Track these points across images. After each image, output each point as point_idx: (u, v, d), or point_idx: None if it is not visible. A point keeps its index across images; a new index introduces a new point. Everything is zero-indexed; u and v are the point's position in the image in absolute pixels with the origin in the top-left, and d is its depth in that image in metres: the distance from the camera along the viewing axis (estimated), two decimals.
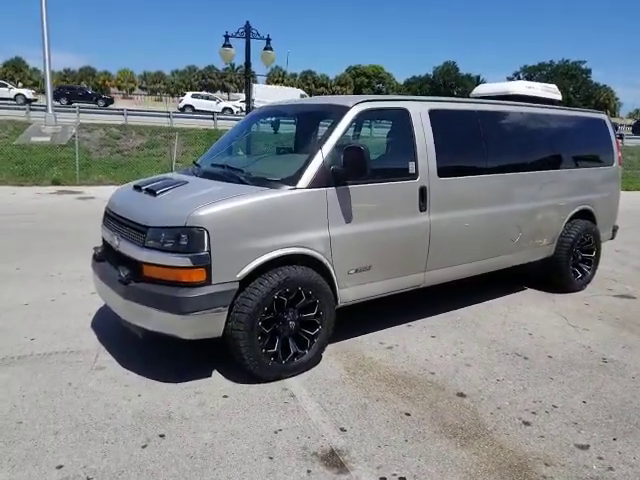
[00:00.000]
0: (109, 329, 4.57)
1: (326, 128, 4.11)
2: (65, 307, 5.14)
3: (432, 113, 4.56)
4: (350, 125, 4.08)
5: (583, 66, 79.28)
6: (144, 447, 2.95)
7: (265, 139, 5.57)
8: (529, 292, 6.23)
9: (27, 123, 20.58)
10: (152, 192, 3.94)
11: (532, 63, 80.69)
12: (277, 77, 75.64)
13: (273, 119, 5.41)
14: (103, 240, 4.37)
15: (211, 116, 25.55)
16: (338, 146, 3.94)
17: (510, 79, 69.89)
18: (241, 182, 3.93)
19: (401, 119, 4.44)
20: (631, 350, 4.62)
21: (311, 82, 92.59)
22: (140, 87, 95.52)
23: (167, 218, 3.53)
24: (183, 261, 3.39)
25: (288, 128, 5.14)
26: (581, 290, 6.29)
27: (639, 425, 3.40)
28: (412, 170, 4.37)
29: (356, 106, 4.13)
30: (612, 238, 6.93)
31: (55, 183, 14.69)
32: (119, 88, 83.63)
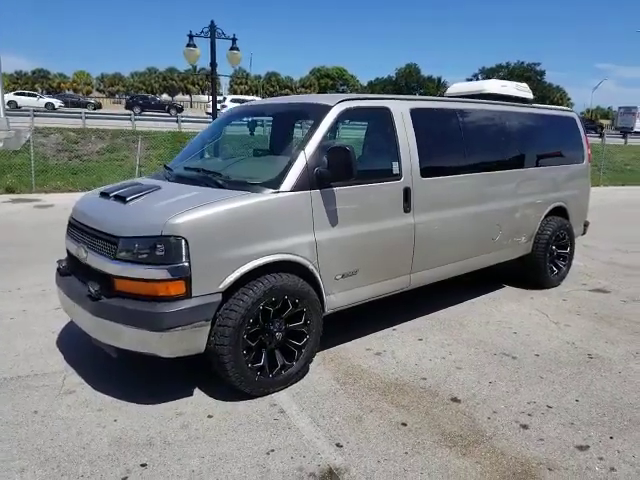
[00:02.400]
0: (76, 348, 4.24)
1: (307, 128, 3.93)
2: (26, 325, 4.77)
3: (414, 112, 4.45)
4: (332, 125, 3.91)
5: (537, 68, 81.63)
6: (124, 479, 2.70)
7: (242, 140, 5.33)
8: (507, 290, 6.22)
9: None
10: (122, 199, 3.66)
11: (490, 65, 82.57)
12: (241, 79, 74.87)
13: (249, 119, 5.18)
14: (68, 252, 4.05)
15: (175, 118, 24.95)
16: (321, 147, 3.76)
17: (469, 80, 71.31)
18: (219, 186, 3.71)
19: (383, 118, 4.30)
20: (613, 344, 4.63)
21: (275, 84, 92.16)
22: (97, 90, 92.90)
23: (141, 227, 3.27)
24: (160, 273, 3.14)
25: (266, 129, 4.92)
26: (557, 286, 6.33)
27: (633, 421, 3.37)
28: (396, 171, 4.24)
29: (338, 105, 3.97)
30: (584, 233, 7.02)
31: (9, 191, 13.95)
32: (75, 91, 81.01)
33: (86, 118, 23.23)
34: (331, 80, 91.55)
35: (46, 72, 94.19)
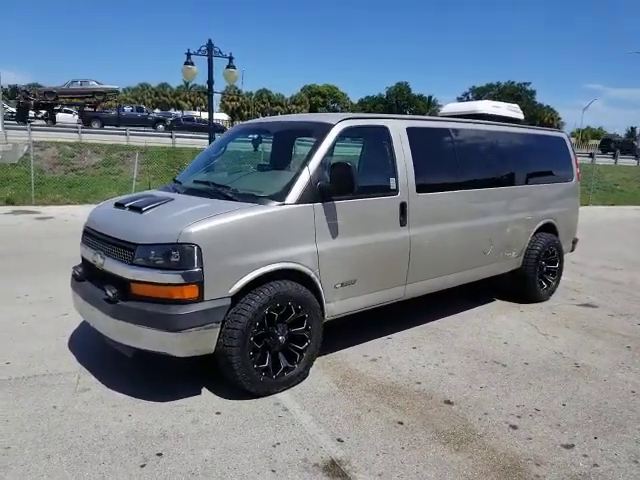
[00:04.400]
0: (87, 350, 4.45)
1: (310, 145, 4.19)
2: (38, 329, 4.96)
3: (410, 131, 4.73)
4: (334, 142, 4.18)
5: (528, 87, 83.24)
6: (143, 466, 2.89)
7: (246, 156, 5.60)
8: (498, 303, 6.46)
9: None
10: (137, 209, 3.90)
11: (480, 84, 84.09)
12: (232, 95, 75.53)
13: (254, 136, 5.45)
14: (83, 259, 4.27)
15: (169, 134, 25.26)
16: (323, 163, 4.04)
17: (460, 99, 72.60)
18: (228, 198, 3.96)
19: (381, 136, 4.59)
20: (600, 355, 4.87)
21: (267, 100, 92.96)
22: None
23: (157, 235, 3.50)
24: (175, 278, 3.37)
25: (269, 146, 5.19)
26: (546, 300, 6.58)
27: (616, 424, 3.59)
28: (393, 186, 4.51)
29: (339, 123, 4.24)
30: (572, 250, 7.29)
31: (9, 203, 14.13)
32: (68, 105, 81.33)
33: (82, 132, 23.48)
34: (322, 98, 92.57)
35: (39, 86, 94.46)
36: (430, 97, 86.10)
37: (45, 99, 30.05)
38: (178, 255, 3.38)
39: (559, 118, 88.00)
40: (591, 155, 30.78)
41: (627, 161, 34.71)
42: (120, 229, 3.79)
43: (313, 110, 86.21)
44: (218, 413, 3.52)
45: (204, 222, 3.47)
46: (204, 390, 3.83)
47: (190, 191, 4.35)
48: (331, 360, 4.48)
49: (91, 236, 4.13)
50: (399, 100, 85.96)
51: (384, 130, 4.58)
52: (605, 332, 5.51)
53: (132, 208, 3.98)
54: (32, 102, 29.71)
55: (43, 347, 4.51)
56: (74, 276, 4.24)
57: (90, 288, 3.98)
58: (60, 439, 3.12)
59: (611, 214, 18.46)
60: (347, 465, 2.99)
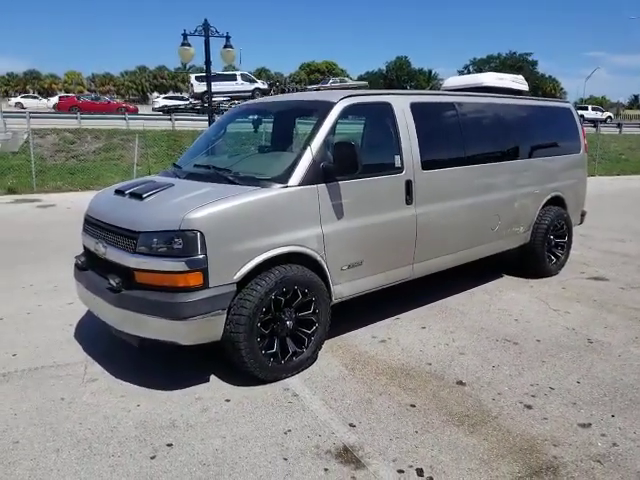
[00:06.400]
0: (93, 340, 4.41)
1: (311, 125, 4.07)
2: (43, 319, 4.91)
3: (414, 106, 4.59)
4: (336, 121, 4.05)
5: (529, 58, 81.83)
6: (153, 458, 2.86)
7: (247, 137, 5.48)
8: (507, 279, 6.38)
9: None
10: (138, 196, 3.80)
11: (481, 56, 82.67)
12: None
13: (254, 117, 5.32)
14: (85, 248, 4.19)
15: (168, 117, 25.02)
16: (326, 142, 3.92)
17: (461, 72, 71.44)
18: (230, 182, 3.85)
19: (384, 113, 4.45)
20: (613, 330, 4.79)
21: (265, 79, 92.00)
22: (88, 89, 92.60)
23: (159, 222, 3.42)
24: (178, 265, 3.29)
25: (269, 126, 5.06)
26: (556, 274, 6.49)
27: (633, 401, 3.53)
28: (398, 164, 4.39)
29: (341, 101, 4.11)
30: (580, 223, 7.17)
31: (11, 192, 14.05)
32: (67, 91, 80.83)
33: (81, 119, 23.25)
34: (321, 75, 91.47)
35: (37, 73, 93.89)
36: (430, 71, 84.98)
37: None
38: (181, 242, 3.30)
39: (561, 88, 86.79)
40: (595, 125, 30.34)
41: (632, 130, 34.20)
42: (121, 217, 3.71)
43: None
44: (227, 400, 3.48)
45: (206, 208, 3.38)
46: (212, 377, 3.79)
47: (191, 176, 4.24)
48: (339, 343, 4.43)
49: (92, 225, 4.05)
50: (399, 75, 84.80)
51: (387, 106, 4.44)
52: (617, 306, 5.43)
53: (132, 195, 3.89)
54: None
55: (49, 338, 4.47)
56: (77, 265, 4.18)
57: (93, 277, 3.91)
58: (69, 432, 3.08)
59: (617, 184, 18.23)
60: (360, 451, 2.95)
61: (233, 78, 29.85)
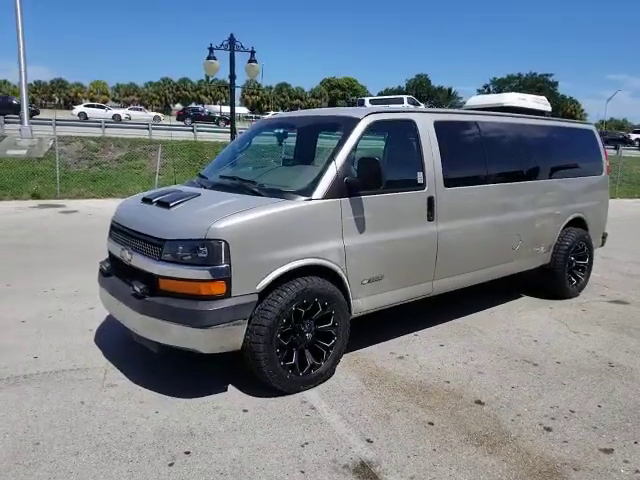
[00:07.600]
0: (114, 345, 4.46)
1: (336, 140, 4.11)
2: (64, 323, 4.99)
3: (437, 124, 4.62)
4: (361, 136, 4.09)
5: (550, 79, 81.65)
6: (171, 465, 2.87)
7: (272, 150, 5.54)
8: (526, 299, 6.32)
9: (1, 136, 20.08)
10: (165, 204, 3.87)
11: (501, 75, 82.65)
12: (253, 89, 75.75)
13: (279, 131, 5.39)
14: (110, 254, 4.27)
15: (191, 128, 25.39)
16: (350, 157, 3.96)
17: (480, 91, 71.52)
18: (255, 194, 3.91)
19: (408, 130, 4.48)
20: (635, 354, 4.71)
21: (286, 94, 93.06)
22: (113, 99, 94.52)
23: (185, 231, 3.47)
24: (203, 274, 3.33)
25: (294, 140, 5.12)
26: (576, 296, 6.41)
27: None
28: (420, 180, 4.41)
29: (366, 118, 4.15)
30: (602, 245, 7.09)
31: (35, 197, 14.35)
32: (92, 100, 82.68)
33: (105, 127, 23.71)
34: (341, 91, 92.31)
35: (64, 82, 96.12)
36: (450, 89, 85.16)
37: None
38: (206, 251, 3.34)
39: (582, 109, 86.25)
40: (616, 147, 30.03)
41: None
42: (148, 224, 3.77)
43: (332, 103, 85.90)
44: (245, 411, 3.48)
45: (232, 218, 3.43)
46: (230, 387, 3.80)
47: (216, 186, 4.30)
48: (357, 357, 4.42)
49: (119, 231, 4.12)
50: (419, 92, 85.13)
51: (411, 124, 4.47)
52: (638, 330, 5.34)
53: (160, 203, 3.95)
54: None
55: (70, 342, 4.53)
56: (101, 271, 4.25)
57: (117, 283, 3.98)
58: (88, 436, 3.11)
59: (638, 207, 17.99)
60: (378, 467, 2.92)
61: (400, 101, 30.76)
